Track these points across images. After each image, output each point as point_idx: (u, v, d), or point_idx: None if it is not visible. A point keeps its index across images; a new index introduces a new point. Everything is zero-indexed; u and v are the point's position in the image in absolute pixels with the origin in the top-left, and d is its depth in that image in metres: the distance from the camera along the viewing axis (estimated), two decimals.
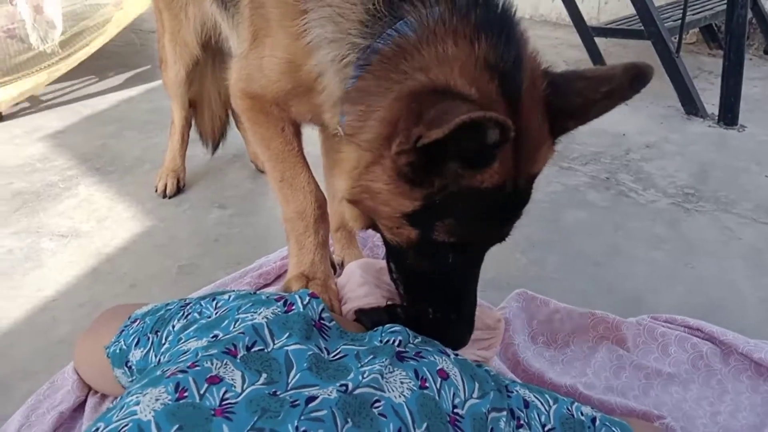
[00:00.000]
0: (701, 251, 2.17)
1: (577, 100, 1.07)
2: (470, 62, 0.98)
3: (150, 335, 1.11)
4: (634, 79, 1.05)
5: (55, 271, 1.97)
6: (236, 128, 2.58)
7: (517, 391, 1.06)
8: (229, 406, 0.81)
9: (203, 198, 2.47)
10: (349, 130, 1.08)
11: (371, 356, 0.97)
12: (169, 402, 0.80)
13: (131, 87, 3.70)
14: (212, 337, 0.96)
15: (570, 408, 1.08)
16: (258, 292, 1.20)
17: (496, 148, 0.90)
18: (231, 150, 2.74)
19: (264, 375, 0.88)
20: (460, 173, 0.97)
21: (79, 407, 1.37)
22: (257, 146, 1.49)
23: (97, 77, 3.75)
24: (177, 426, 0.76)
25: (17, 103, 3.25)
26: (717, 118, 3.38)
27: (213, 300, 1.11)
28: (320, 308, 1.07)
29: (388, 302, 1.24)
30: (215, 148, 2.57)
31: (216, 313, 1.06)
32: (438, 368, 0.98)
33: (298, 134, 1.44)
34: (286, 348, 0.94)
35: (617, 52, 4.56)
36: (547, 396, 1.09)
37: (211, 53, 2.23)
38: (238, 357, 0.90)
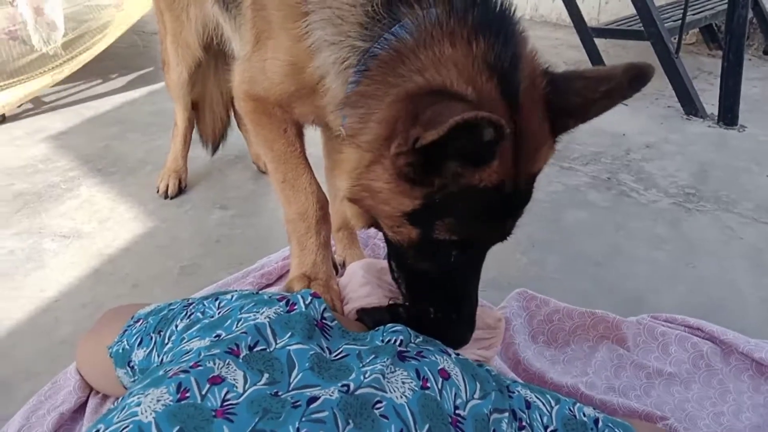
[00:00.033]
0: (702, 251, 2.17)
1: (576, 99, 1.08)
2: (468, 63, 0.98)
3: (153, 335, 1.12)
4: (633, 79, 1.05)
5: (57, 272, 1.97)
6: (238, 129, 2.59)
7: (518, 391, 1.06)
8: (230, 407, 0.81)
9: (205, 199, 2.47)
10: (350, 131, 1.09)
11: (373, 356, 0.97)
12: (171, 403, 0.80)
13: (134, 89, 3.70)
14: (215, 337, 0.96)
15: (572, 409, 1.08)
16: (260, 292, 1.20)
17: (493, 146, 0.91)
18: (233, 151, 2.74)
19: (266, 375, 0.88)
20: (460, 172, 0.97)
21: (80, 408, 1.38)
22: (260, 147, 1.50)
23: (100, 79, 3.75)
24: (177, 428, 0.76)
25: (20, 105, 3.26)
26: (717, 118, 3.38)
27: (216, 300, 1.11)
28: (322, 308, 1.07)
29: (390, 302, 1.25)
30: (215, 149, 2.58)
31: (219, 313, 1.06)
32: (439, 368, 0.98)
33: (300, 136, 1.45)
34: (288, 348, 0.94)
35: (617, 53, 4.56)
36: (548, 396, 1.09)
37: (213, 55, 2.23)
38: (241, 357, 0.90)
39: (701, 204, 2.49)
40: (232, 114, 2.52)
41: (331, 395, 0.86)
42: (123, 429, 0.77)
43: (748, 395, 1.49)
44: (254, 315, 1.00)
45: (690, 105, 3.47)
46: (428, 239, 1.06)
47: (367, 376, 0.91)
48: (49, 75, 3.31)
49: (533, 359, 1.56)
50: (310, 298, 1.07)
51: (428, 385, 0.94)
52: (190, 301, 1.16)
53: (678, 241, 2.23)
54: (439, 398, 0.93)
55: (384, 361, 0.95)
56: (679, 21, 3.70)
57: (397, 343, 1.03)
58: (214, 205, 2.42)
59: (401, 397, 0.89)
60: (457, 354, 1.08)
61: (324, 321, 1.06)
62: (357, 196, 1.10)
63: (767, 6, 4.42)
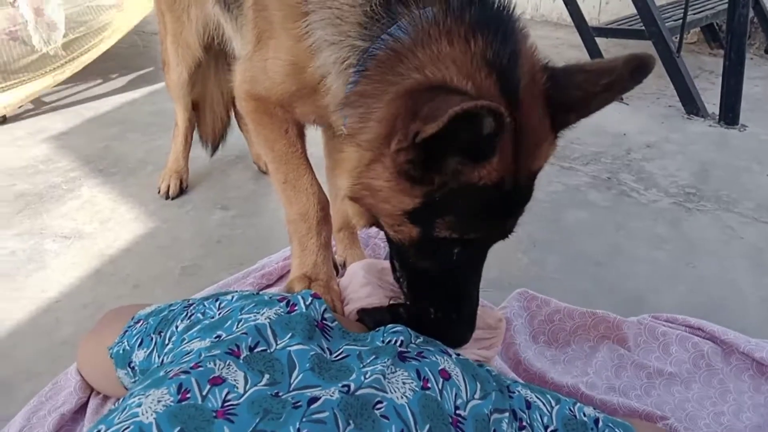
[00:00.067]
0: (703, 251, 2.17)
1: (577, 93, 1.07)
2: (466, 60, 0.98)
3: (153, 336, 1.12)
4: (634, 70, 1.04)
5: (58, 273, 1.97)
6: (239, 129, 2.59)
7: (518, 391, 1.06)
8: (230, 407, 0.81)
9: (206, 199, 2.47)
10: (350, 131, 1.10)
11: (373, 356, 0.98)
12: (171, 403, 0.80)
13: (134, 89, 3.70)
14: (215, 338, 0.96)
15: (572, 409, 1.08)
16: (261, 292, 1.20)
17: (494, 138, 0.91)
18: (234, 151, 2.74)
19: (266, 376, 0.88)
20: (460, 169, 0.97)
21: (81, 409, 1.38)
22: (261, 148, 1.50)
23: (101, 79, 3.75)
24: (178, 428, 0.77)
25: (20, 106, 3.26)
26: (718, 117, 3.38)
27: (216, 300, 1.11)
28: (322, 309, 1.07)
29: (391, 302, 1.25)
30: (214, 149, 2.58)
31: (219, 314, 1.06)
32: (440, 368, 0.98)
33: (301, 136, 1.45)
34: (288, 348, 0.94)
35: (617, 52, 4.53)
36: (549, 396, 1.09)
37: (214, 55, 2.24)
38: (241, 357, 0.90)
39: (702, 204, 2.49)
40: (233, 114, 2.52)
41: (331, 396, 0.86)
42: (124, 430, 0.77)
43: (748, 395, 1.49)
44: (255, 316, 1.00)
45: (691, 104, 3.46)
46: (429, 237, 1.06)
47: (367, 376, 0.91)
48: (50, 76, 3.31)
49: (534, 359, 1.56)
50: (310, 298, 1.08)
51: (429, 385, 0.94)
52: (190, 302, 1.16)
53: (678, 241, 2.23)
54: (439, 398, 0.93)
55: (384, 362, 0.95)
56: (680, 20, 3.69)
57: (398, 343, 1.03)
58: (215, 206, 2.42)
59: (402, 398, 0.89)
60: (458, 354, 1.08)
61: (324, 322, 1.06)
62: (358, 195, 1.10)
63: None
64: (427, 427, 0.87)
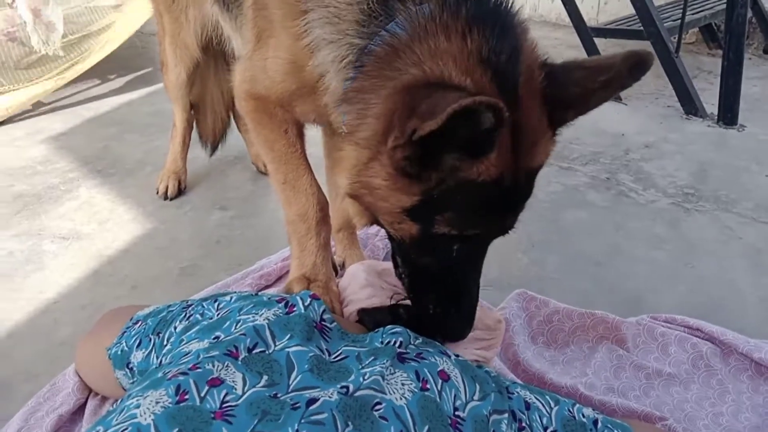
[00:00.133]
0: (701, 251, 2.17)
1: (575, 90, 1.07)
2: (463, 56, 0.98)
3: (152, 336, 1.12)
4: (633, 67, 1.04)
5: (57, 274, 1.97)
6: (237, 130, 2.59)
7: (518, 392, 1.06)
8: (229, 408, 0.81)
9: (205, 200, 2.47)
10: (349, 128, 1.10)
11: (372, 357, 0.98)
12: (170, 405, 0.80)
13: (133, 89, 3.70)
14: (214, 339, 0.96)
15: (571, 410, 1.08)
16: (259, 293, 1.20)
17: (493, 133, 0.90)
18: (232, 152, 2.74)
19: (265, 377, 0.88)
20: (458, 165, 0.97)
21: (79, 410, 1.38)
22: (261, 148, 1.50)
23: (99, 80, 3.75)
24: (177, 429, 0.77)
25: (23, 109, 3.26)
26: (716, 117, 3.38)
27: (215, 301, 1.11)
28: (321, 310, 1.07)
29: (392, 301, 1.25)
30: (214, 149, 2.58)
31: (218, 315, 1.06)
32: (439, 369, 0.98)
33: (301, 136, 1.45)
34: (287, 349, 0.94)
35: (616, 53, 4.56)
36: (548, 397, 1.09)
37: (212, 55, 2.24)
38: (240, 359, 0.90)
39: (700, 204, 2.49)
40: (232, 115, 2.52)
41: (330, 397, 0.86)
42: (122, 431, 0.77)
43: (747, 395, 1.49)
44: (253, 317, 1.00)
45: (690, 104, 3.46)
46: (428, 234, 1.06)
47: (366, 377, 0.91)
48: (53, 79, 3.32)
49: (533, 360, 1.56)
50: (309, 299, 1.07)
51: (428, 386, 0.94)
52: (189, 303, 1.16)
53: (677, 241, 2.23)
54: (438, 400, 0.93)
55: (383, 363, 0.95)
56: (679, 20, 3.69)
57: (397, 344, 1.03)
58: (213, 206, 2.42)
59: (401, 399, 0.89)
60: (457, 356, 1.08)
61: (323, 323, 1.06)
62: (357, 193, 1.10)
63: (766, 5, 4.42)
64: (426, 428, 0.87)
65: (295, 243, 1.48)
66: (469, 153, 0.95)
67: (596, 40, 4.07)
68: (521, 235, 2.13)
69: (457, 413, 0.93)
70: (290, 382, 0.89)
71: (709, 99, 3.48)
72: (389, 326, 1.09)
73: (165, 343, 1.08)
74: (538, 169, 1.09)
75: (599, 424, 1.07)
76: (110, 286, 1.93)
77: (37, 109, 3.34)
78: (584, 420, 1.06)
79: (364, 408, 0.86)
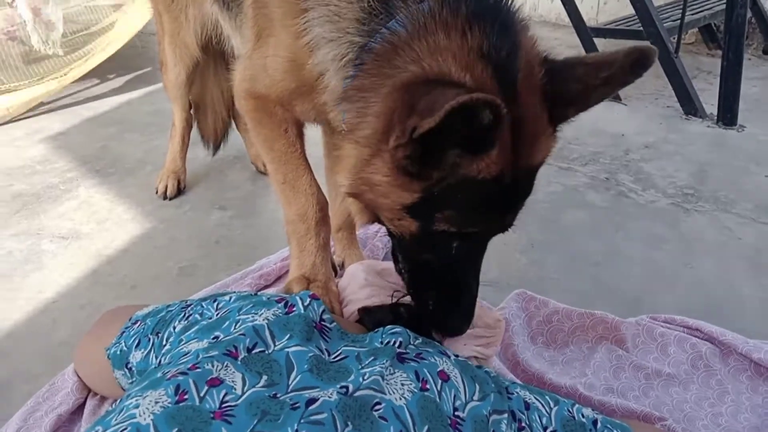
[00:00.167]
0: (701, 251, 2.17)
1: (576, 86, 1.07)
2: (463, 52, 0.98)
3: (151, 336, 1.12)
4: (635, 63, 1.03)
5: (56, 273, 1.97)
6: (237, 130, 2.59)
7: (517, 392, 1.06)
8: (228, 408, 0.81)
9: (204, 199, 2.47)
10: (349, 126, 1.10)
11: (372, 358, 0.97)
12: (169, 405, 0.80)
13: (132, 89, 3.70)
14: (213, 339, 0.96)
15: (571, 410, 1.08)
16: (259, 293, 1.20)
17: (492, 130, 0.90)
18: (231, 152, 2.74)
19: (264, 377, 0.88)
20: (458, 163, 0.97)
21: (78, 410, 1.37)
22: (260, 147, 1.50)
23: (98, 79, 3.75)
24: (176, 429, 0.76)
25: (26, 109, 3.25)
26: (716, 118, 3.38)
27: (214, 301, 1.11)
28: (321, 310, 1.07)
29: (393, 298, 1.25)
30: (216, 149, 2.57)
31: (217, 315, 1.06)
32: (438, 370, 0.98)
33: (300, 136, 1.45)
34: (286, 349, 0.94)
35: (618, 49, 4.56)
36: (547, 398, 1.09)
37: (212, 55, 2.23)
38: (239, 359, 0.90)
39: (700, 204, 2.49)
40: (232, 114, 2.51)
41: (329, 397, 0.86)
42: (121, 431, 0.76)
43: (746, 396, 1.49)
44: (252, 317, 1.00)
45: (689, 105, 3.47)
46: (428, 231, 1.06)
47: (366, 377, 0.91)
48: (55, 80, 3.32)
49: (532, 360, 1.56)
50: (308, 299, 1.07)
51: (427, 386, 0.94)
52: (188, 303, 1.15)
53: (677, 242, 2.23)
54: (438, 400, 0.92)
55: (383, 363, 0.95)
56: (678, 21, 3.70)
57: (396, 344, 1.03)
58: (212, 206, 2.42)
59: (400, 399, 0.89)
60: (456, 356, 1.08)
61: (323, 323, 1.06)
62: (357, 191, 1.10)
63: (766, 6, 4.43)
64: (426, 428, 0.87)
65: (295, 243, 1.47)
66: (469, 150, 0.95)
67: (596, 41, 4.07)
68: (521, 236, 2.13)
69: (456, 413, 0.93)
70: (290, 382, 0.89)
71: (709, 99, 3.49)
72: (389, 326, 1.08)
73: (164, 343, 1.08)
74: (538, 166, 1.09)
75: (599, 425, 1.07)
76: (109, 286, 1.92)
77: (36, 108, 3.34)
78: (584, 420, 1.06)
79: (363, 408, 0.86)
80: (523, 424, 1.00)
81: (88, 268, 2.00)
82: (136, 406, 0.80)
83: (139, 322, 1.19)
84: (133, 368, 1.13)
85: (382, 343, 1.04)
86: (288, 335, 0.97)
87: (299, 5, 1.17)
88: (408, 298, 1.23)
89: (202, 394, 0.82)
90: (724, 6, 3.57)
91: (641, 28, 3.64)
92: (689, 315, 1.70)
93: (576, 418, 1.06)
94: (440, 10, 1.01)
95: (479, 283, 1.18)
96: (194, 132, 2.54)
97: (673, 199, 2.54)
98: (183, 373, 0.85)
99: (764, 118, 3.45)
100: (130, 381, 1.16)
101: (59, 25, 3.43)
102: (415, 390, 0.92)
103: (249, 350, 0.92)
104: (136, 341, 1.14)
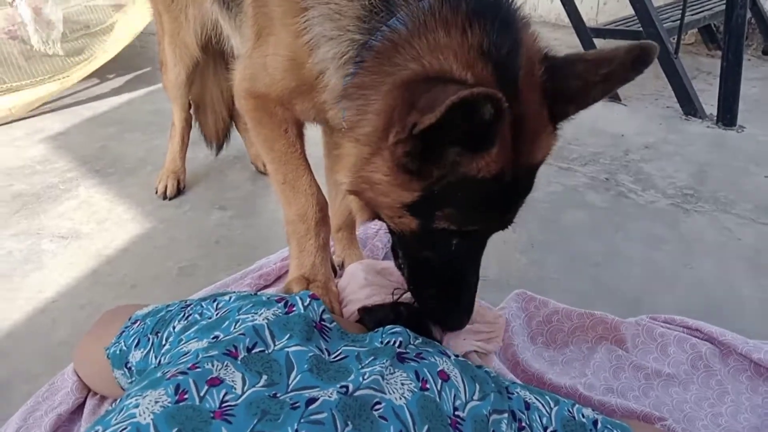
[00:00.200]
0: (700, 252, 2.17)
1: (576, 83, 1.06)
2: (463, 50, 0.98)
3: (150, 336, 1.12)
4: (636, 59, 1.03)
5: (56, 273, 1.97)
6: (236, 129, 2.59)
7: (517, 392, 1.06)
8: (228, 408, 0.81)
9: (204, 199, 2.47)
10: (349, 124, 1.10)
11: (372, 357, 0.97)
12: (169, 404, 0.80)
13: (132, 89, 3.70)
14: (213, 338, 0.96)
15: (571, 410, 1.08)
16: (258, 293, 1.20)
17: (493, 126, 0.90)
18: (231, 152, 2.74)
19: (264, 377, 0.88)
20: (459, 160, 0.97)
21: (78, 409, 1.37)
22: (260, 147, 1.50)
23: (98, 79, 3.75)
24: (176, 429, 0.76)
25: (29, 110, 3.25)
26: (716, 118, 3.39)
27: (214, 301, 1.11)
28: (321, 310, 1.07)
29: (394, 295, 1.25)
30: (219, 149, 2.57)
31: (217, 314, 1.06)
32: (438, 369, 0.98)
33: (301, 136, 1.45)
34: (286, 349, 0.94)
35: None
36: (547, 398, 1.09)
37: (212, 55, 2.23)
38: (239, 358, 0.90)
39: (700, 205, 2.49)
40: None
41: (329, 396, 0.86)
42: (121, 430, 0.76)
43: (746, 396, 1.49)
44: (252, 316, 1.00)
45: (689, 105, 3.47)
46: (428, 229, 1.07)
47: (366, 377, 0.91)
48: (57, 81, 3.32)
49: (532, 360, 1.56)
50: (308, 299, 1.07)
51: (427, 386, 0.94)
52: (187, 303, 1.15)
53: (676, 242, 2.23)
54: (438, 399, 0.92)
55: (383, 363, 0.95)
56: (678, 21, 3.70)
57: (396, 344, 1.03)
58: (212, 206, 2.42)
59: (400, 399, 0.89)
60: (456, 356, 1.08)
61: (323, 323, 1.06)
62: (357, 189, 1.10)
63: (765, 6, 4.43)
64: (426, 428, 0.87)
65: (294, 243, 1.47)
66: (470, 147, 0.95)
67: (595, 41, 4.07)
68: (521, 236, 2.13)
69: (456, 413, 0.93)
70: (290, 382, 0.89)
71: (709, 100, 3.49)
72: (389, 326, 1.08)
73: (164, 342, 1.08)
74: (539, 164, 1.09)
75: (599, 425, 1.07)
76: (109, 286, 1.92)
77: (36, 108, 3.33)
78: (584, 420, 1.06)
79: (363, 408, 0.86)
80: (524, 424, 1.00)
81: (87, 268, 2.00)
82: (136, 406, 0.80)
83: (138, 322, 1.19)
84: (133, 368, 1.13)
85: (382, 342, 1.04)
86: (288, 335, 0.97)
87: (299, 4, 1.17)
88: (408, 295, 1.23)
89: (202, 394, 0.82)
90: (723, 6, 3.57)
91: (641, 29, 3.64)
92: (689, 315, 1.70)
93: (576, 418, 1.06)
94: (440, 8, 1.01)
95: (479, 279, 1.18)
96: (194, 132, 2.54)
97: (673, 199, 2.54)
98: (183, 373, 0.85)
99: (764, 118, 3.45)
100: (130, 381, 1.16)
101: (59, 24, 3.43)
102: (415, 390, 0.92)
103: (249, 350, 0.92)
104: (136, 341, 1.14)
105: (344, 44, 1.10)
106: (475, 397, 0.97)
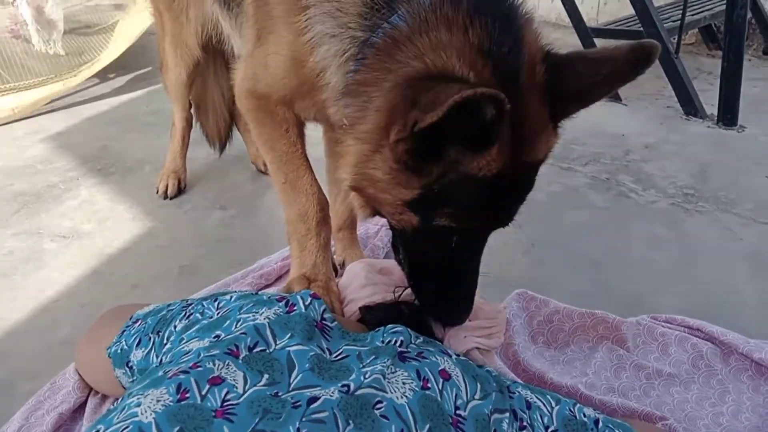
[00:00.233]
0: (701, 251, 2.17)
1: (578, 82, 1.06)
2: (465, 48, 0.98)
3: (151, 335, 1.12)
4: (638, 59, 1.02)
5: (57, 272, 1.97)
6: (237, 129, 2.59)
7: (519, 392, 1.06)
8: (230, 407, 0.81)
9: (204, 199, 2.47)
10: (350, 121, 1.10)
11: (373, 356, 0.97)
12: (171, 403, 0.80)
13: (133, 89, 3.70)
14: (214, 338, 0.96)
15: (572, 409, 1.08)
16: (259, 292, 1.20)
17: (495, 125, 0.90)
18: (232, 151, 2.74)
19: (266, 376, 0.88)
20: (459, 159, 0.97)
21: (80, 408, 1.37)
22: (261, 147, 1.50)
23: (99, 79, 3.75)
24: (178, 428, 0.76)
25: (32, 110, 3.26)
26: (716, 118, 3.38)
27: (215, 300, 1.11)
28: (322, 309, 1.07)
29: (396, 293, 1.25)
30: (222, 149, 2.57)
31: (218, 314, 1.06)
32: (440, 369, 0.98)
33: (301, 136, 1.45)
34: (288, 348, 0.94)
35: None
36: (549, 397, 1.09)
37: (212, 55, 2.24)
38: (240, 357, 0.90)
39: (700, 204, 2.49)
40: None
41: (331, 395, 0.86)
42: (123, 429, 0.76)
43: (747, 396, 1.49)
44: (253, 316, 1.00)
45: (689, 105, 3.47)
46: (429, 226, 1.07)
47: (367, 376, 0.91)
48: (61, 82, 3.33)
49: (533, 360, 1.56)
50: (309, 299, 1.07)
51: (429, 385, 0.94)
52: (189, 302, 1.16)
53: (677, 242, 2.23)
54: (439, 399, 0.93)
55: (384, 362, 0.95)
56: (679, 21, 3.70)
57: (398, 343, 1.03)
58: (213, 206, 2.42)
59: (402, 398, 0.89)
60: (458, 355, 1.08)
61: (324, 322, 1.06)
62: (358, 185, 1.11)
63: (766, 6, 4.42)
64: (427, 427, 0.87)
65: (295, 243, 1.48)
66: (470, 146, 0.95)
67: (596, 41, 4.07)
68: (521, 236, 2.13)
69: (458, 412, 0.93)
70: (291, 381, 0.89)
71: (709, 100, 3.49)
72: (390, 325, 1.09)
73: (165, 341, 1.08)
74: (539, 162, 1.09)
75: (600, 424, 1.07)
76: (110, 285, 1.92)
77: (37, 108, 3.34)
78: (585, 419, 1.06)
79: (365, 407, 0.86)
80: (525, 424, 1.00)
81: (89, 268, 2.00)
82: (138, 405, 0.80)
83: (139, 321, 1.19)
84: (134, 367, 1.14)
85: (383, 342, 1.04)
86: (289, 334, 0.97)
87: (300, 2, 1.17)
88: (409, 293, 1.23)
89: (203, 393, 0.82)
90: (724, 6, 3.57)
91: (641, 29, 3.64)
92: (690, 315, 1.70)
93: (578, 417, 1.06)
94: (441, 5, 1.01)
95: (479, 275, 1.19)
96: (195, 132, 2.55)
97: (674, 199, 2.54)
98: (184, 372, 0.85)
99: (765, 118, 3.45)
100: (131, 380, 1.16)
101: (60, 24, 3.44)
102: (417, 389, 0.92)
103: (250, 349, 0.92)
104: (137, 340, 1.14)
105: (345, 41, 1.11)
106: (477, 396, 0.97)
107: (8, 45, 3.38)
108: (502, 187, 1.02)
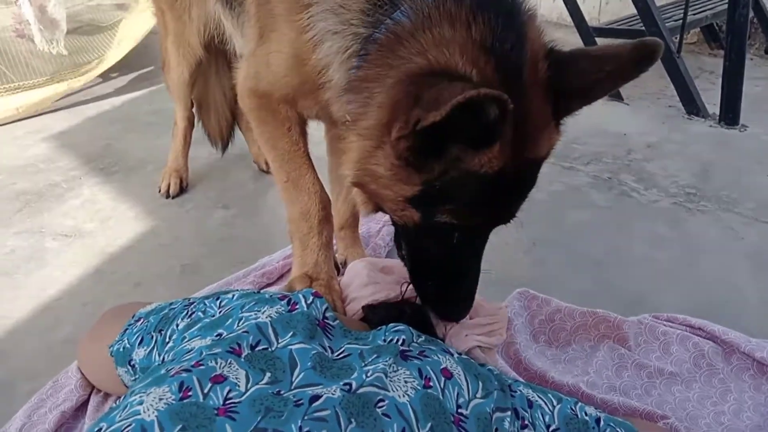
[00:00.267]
0: (703, 251, 2.17)
1: (581, 79, 1.06)
2: (467, 44, 0.98)
3: (154, 334, 1.12)
4: (641, 57, 1.02)
5: (59, 271, 1.97)
6: (239, 128, 2.59)
7: (520, 390, 1.06)
8: (232, 405, 0.81)
9: (207, 198, 2.47)
10: (352, 116, 1.10)
11: (375, 355, 0.98)
12: (173, 401, 0.80)
13: (135, 88, 3.70)
14: (216, 336, 0.96)
15: (574, 408, 1.08)
16: (261, 291, 1.21)
17: (497, 125, 0.90)
18: (234, 150, 2.73)
19: (268, 374, 0.88)
20: (461, 156, 0.97)
21: (82, 406, 1.38)
22: (263, 146, 1.50)
23: (101, 78, 3.75)
24: (180, 426, 0.77)
25: (36, 110, 3.26)
26: (718, 118, 3.38)
27: (217, 299, 1.11)
28: (324, 308, 1.07)
29: (402, 288, 1.25)
30: (225, 148, 2.57)
31: (220, 312, 1.06)
32: (442, 367, 0.98)
33: (304, 135, 1.45)
34: (290, 347, 0.94)
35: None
36: (550, 396, 1.09)
37: (214, 54, 2.24)
38: (243, 356, 0.90)
39: (702, 204, 2.49)
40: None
41: (333, 394, 0.86)
42: (125, 428, 0.77)
43: (749, 395, 1.49)
44: (256, 314, 1.00)
45: (691, 104, 3.46)
46: (430, 222, 1.07)
47: (369, 375, 0.91)
48: (65, 82, 3.33)
49: (534, 359, 1.56)
50: (311, 297, 1.08)
51: (431, 384, 0.94)
52: (191, 301, 1.16)
53: (679, 241, 2.23)
54: (441, 397, 0.93)
55: (386, 361, 0.95)
56: (680, 20, 3.69)
57: (400, 342, 1.03)
58: (215, 205, 2.42)
59: (403, 396, 0.89)
60: (459, 354, 1.08)
61: (326, 320, 1.06)
62: (360, 181, 1.11)
63: None
64: (429, 425, 0.87)
65: (298, 241, 1.48)
66: (472, 144, 0.95)
67: (598, 40, 4.06)
68: (523, 235, 2.12)
69: (460, 411, 0.93)
70: (293, 380, 0.89)
71: (711, 99, 3.48)
72: (392, 324, 1.09)
73: (167, 340, 1.08)
74: (542, 160, 1.09)
75: (602, 423, 1.07)
76: (112, 284, 1.93)
77: (41, 107, 3.34)
78: (587, 418, 1.06)
79: (367, 405, 0.86)
80: (526, 422, 1.00)
81: (91, 266, 2.00)
82: (140, 403, 0.80)
83: (142, 320, 1.19)
84: (136, 365, 1.14)
85: (385, 340, 1.04)
86: (291, 333, 0.97)
87: (302, 0, 1.17)
88: (411, 288, 1.23)
89: (205, 391, 0.83)
90: (726, 6, 3.56)
91: (643, 28, 3.63)
92: (691, 314, 1.70)
93: (579, 416, 1.06)
94: (444, 1, 1.01)
95: (480, 273, 1.19)
96: (197, 131, 2.55)
97: (676, 198, 2.54)
98: (187, 370, 0.85)
99: (767, 117, 3.44)
100: (133, 378, 1.16)
101: (63, 23, 3.44)
102: (419, 387, 0.92)
103: (252, 347, 0.92)
104: (139, 338, 1.14)
105: (348, 38, 1.11)
106: (479, 394, 0.97)
107: (13, 44, 3.38)
108: (503, 184, 1.02)
